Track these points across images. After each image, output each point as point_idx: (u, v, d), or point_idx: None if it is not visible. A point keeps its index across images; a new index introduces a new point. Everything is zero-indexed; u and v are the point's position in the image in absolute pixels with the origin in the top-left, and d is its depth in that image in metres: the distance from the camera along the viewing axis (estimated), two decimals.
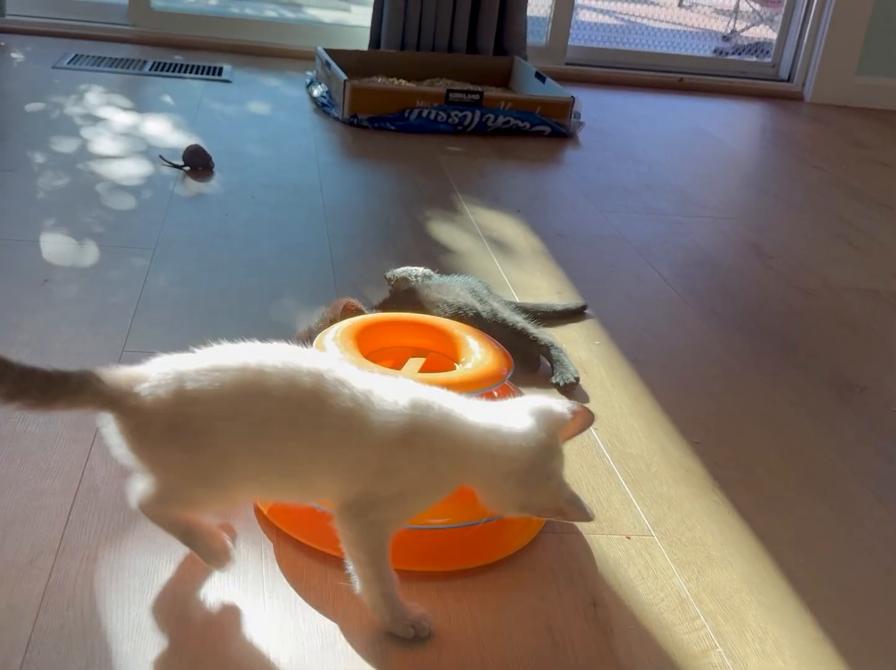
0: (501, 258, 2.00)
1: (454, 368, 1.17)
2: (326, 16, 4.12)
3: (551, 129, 2.94)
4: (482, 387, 1.09)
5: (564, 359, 1.54)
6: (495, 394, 1.16)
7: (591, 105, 3.29)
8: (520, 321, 1.57)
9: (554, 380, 1.50)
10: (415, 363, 1.15)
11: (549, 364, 1.55)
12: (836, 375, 1.66)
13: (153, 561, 1.06)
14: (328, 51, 3.17)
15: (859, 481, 1.36)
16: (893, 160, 3.18)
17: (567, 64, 3.78)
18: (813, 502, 1.30)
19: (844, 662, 1.03)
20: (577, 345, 1.66)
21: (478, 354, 1.14)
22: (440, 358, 1.18)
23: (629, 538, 1.18)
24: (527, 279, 1.91)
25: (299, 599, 1.03)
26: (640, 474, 1.31)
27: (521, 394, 1.20)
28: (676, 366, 1.64)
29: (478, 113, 2.88)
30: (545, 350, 1.55)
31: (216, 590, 1.03)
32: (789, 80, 3.93)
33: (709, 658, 1.01)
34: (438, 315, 1.43)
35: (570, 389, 1.49)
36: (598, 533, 1.18)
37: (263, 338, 0.98)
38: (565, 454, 1.01)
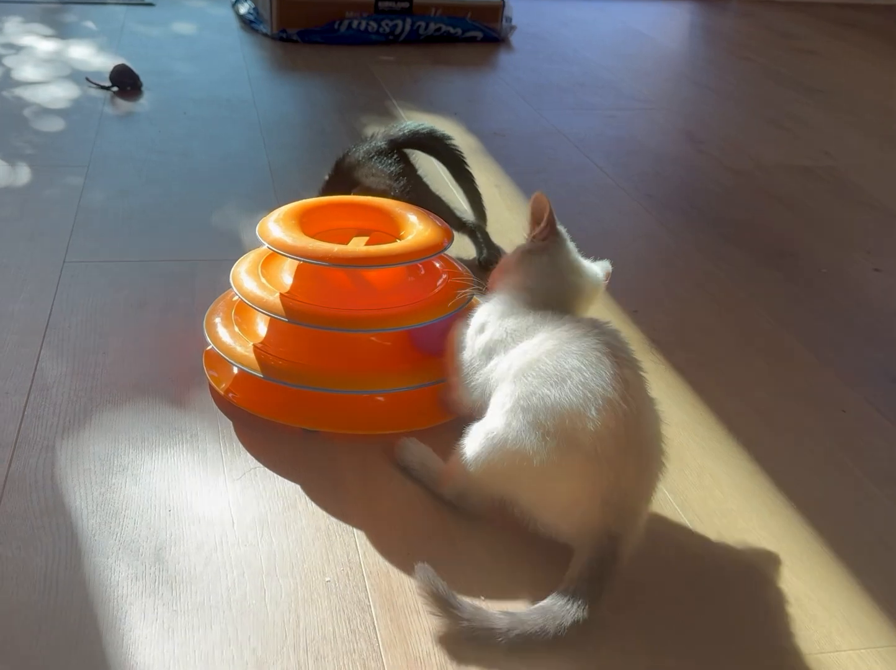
0: None
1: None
2: None
3: (483, 34, 2.93)
4: (423, 255, 1.12)
5: (488, 240, 1.57)
6: (436, 263, 1.20)
7: (522, 10, 3.28)
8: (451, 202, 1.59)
9: (478, 259, 1.55)
10: (359, 240, 1.17)
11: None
12: (768, 245, 1.72)
13: (112, 447, 1.09)
14: None
15: (791, 335, 1.42)
16: (819, 48, 3.23)
17: None
18: (747, 356, 1.36)
19: (779, 490, 1.09)
20: (517, 233, 1.69)
21: (418, 228, 1.17)
22: (382, 236, 1.20)
23: None
24: None
25: (260, 467, 1.06)
26: None
27: (460, 264, 1.23)
28: (614, 246, 1.69)
29: (408, 21, 2.86)
30: (470, 230, 1.58)
31: (178, 468, 1.06)
32: None
33: None
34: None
35: (489, 265, 1.52)
36: None
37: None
38: None
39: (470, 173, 1.60)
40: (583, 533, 0.90)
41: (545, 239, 1.07)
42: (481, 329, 1.03)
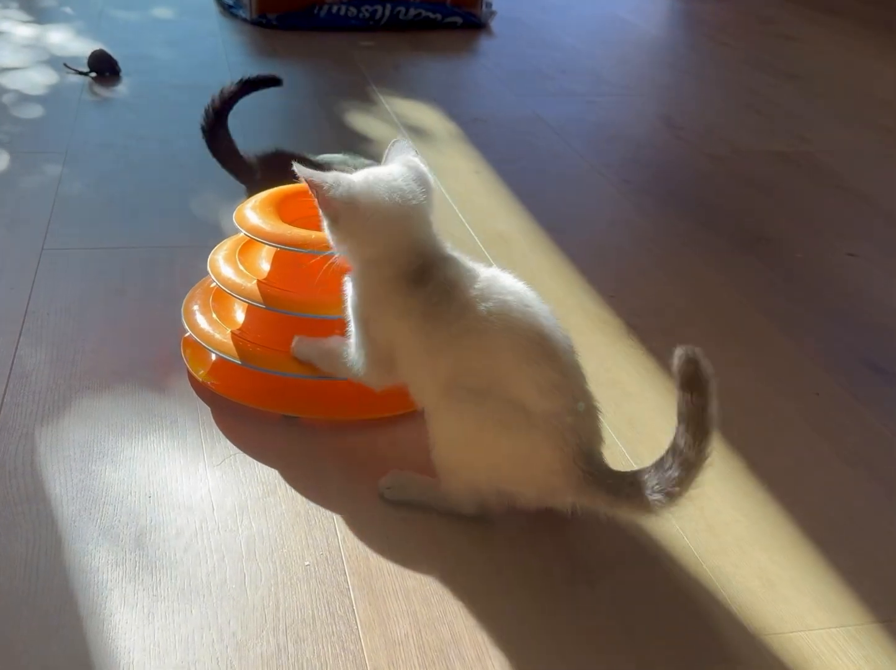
0: (420, 143, 2.01)
1: None
2: None
3: (463, 19, 2.93)
4: None
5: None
6: None
7: None
8: None
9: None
10: None
11: None
12: (743, 230, 1.73)
13: (92, 433, 1.09)
14: None
15: (766, 319, 1.44)
16: (798, 33, 3.24)
17: None
18: (723, 339, 1.38)
19: (752, 472, 1.11)
20: (496, 219, 1.70)
21: None
22: None
23: None
24: (446, 161, 1.94)
25: (239, 453, 1.07)
26: None
27: None
28: (592, 232, 1.70)
29: (388, 6, 2.85)
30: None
31: (158, 454, 1.07)
32: None
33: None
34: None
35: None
36: None
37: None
38: None
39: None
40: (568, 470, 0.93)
41: (329, 208, 0.95)
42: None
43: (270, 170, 1.44)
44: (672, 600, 0.92)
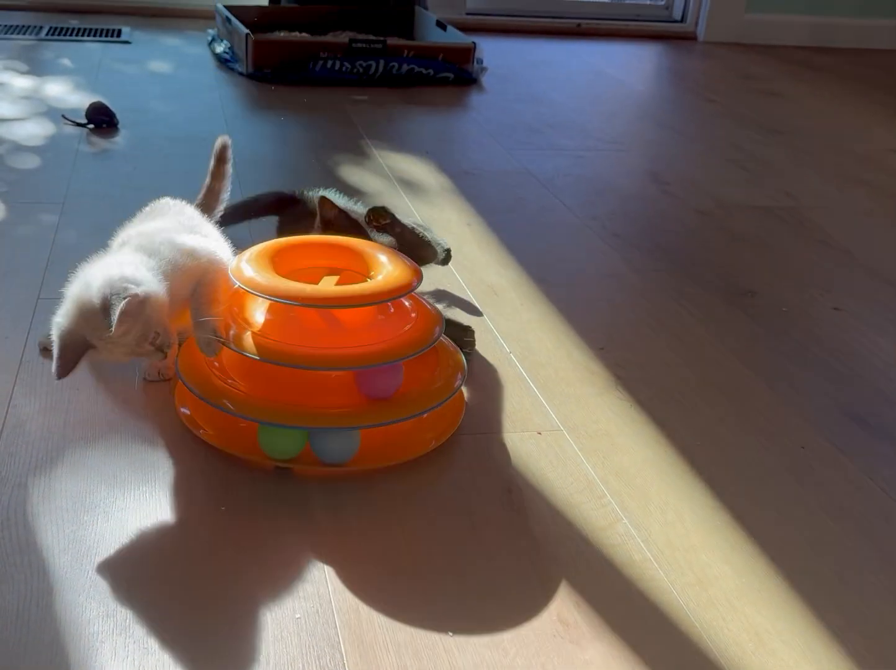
0: (412, 196, 2.05)
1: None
2: None
3: (455, 74, 2.99)
4: (392, 296, 1.15)
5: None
6: (406, 302, 1.22)
7: (493, 52, 3.35)
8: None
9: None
10: (329, 280, 1.20)
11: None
12: (729, 284, 1.76)
13: (85, 485, 1.10)
14: (228, 7, 3.15)
15: (752, 372, 1.46)
16: (781, 90, 3.32)
17: (468, 14, 3.83)
18: (709, 393, 1.40)
19: (740, 525, 1.12)
20: (487, 271, 1.72)
21: (388, 268, 1.20)
22: (353, 275, 1.23)
23: (540, 434, 1.26)
24: (437, 213, 1.97)
25: (231, 504, 1.08)
26: (549, 379, 1.39)
27: (431, 304, 1.26)
28: (580, 284, 1.73)
29: (382, 62, 2.91)
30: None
31: (150, 505, 1.07)
32: (682, 20, 4.05)
33: (615, 529, 1.09)
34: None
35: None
36: (511, 431, 1.26)
37: None
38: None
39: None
40: None
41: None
42: None
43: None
44: (659, 653, 0.93)
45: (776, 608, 1.00)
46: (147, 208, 1.41)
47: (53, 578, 0.96)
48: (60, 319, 1.12)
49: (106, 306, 1.07)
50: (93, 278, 1.12)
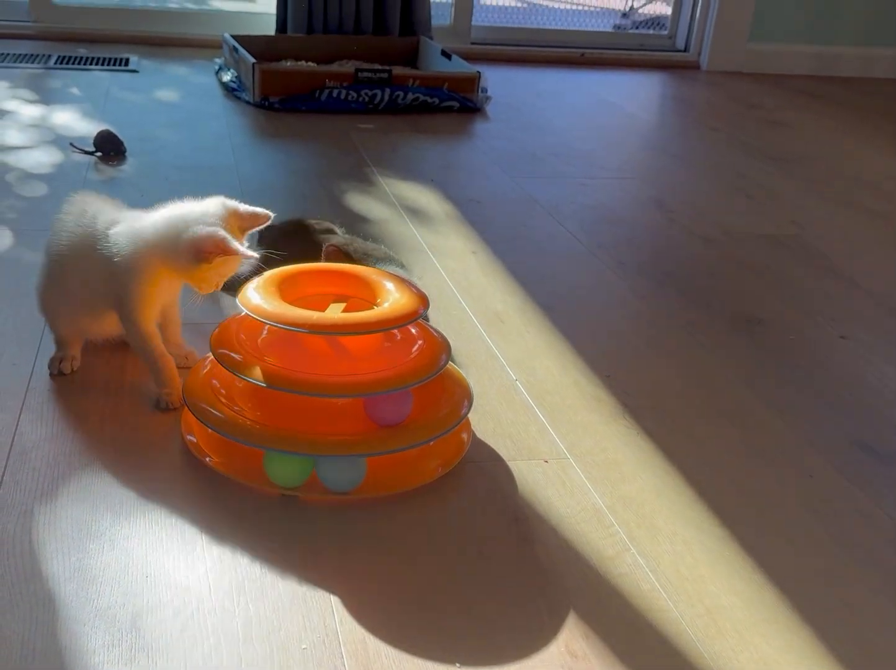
0: (417, 224, 2.06)
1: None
2: (230, 6, 4.12)
3: (460, 103, 3.01)
4: (398, 323, 1.15)
5: None
6: (413, 330, 1.22)
7: (498, 81, 3.38)
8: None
9: None
10: (336, 307, 1.20)
11: None
12: (736, 312, 1.76)
13: (90, 512, 1.09)
14: (235, 37, 3.18)
15: (760, 400, 1.46)
16: (785, 118, 3.34)
17: (473, 43, 3.86)
18: (716, 421, 1.39)
19: (748, 555, 1.11)
20: (493, 298, 1.73)
21: (395, 295, 1.20)
22: (360, 302, 1.23)
23: (547, 462, 1.25)
24: (442, 241, 1.98)
25: (237, 531, 1.07)
26: (556, 406, 1.39)
27: (437, 331, 1.26)
28: (587, 312, 1.73)
29: (387, 91, 2.93)
30: None
31: (155, 533, 1.07)
32: (685, 50, 4.08)
33: (623, 558, 1.09)
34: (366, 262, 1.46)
35: None
36: (518, 458, 1.25)
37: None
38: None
39: None
40: None
41: None
42: None
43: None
44: None
45: (786, 638, 0.99)
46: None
47: (58, 607, 0.95)
48: None
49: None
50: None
